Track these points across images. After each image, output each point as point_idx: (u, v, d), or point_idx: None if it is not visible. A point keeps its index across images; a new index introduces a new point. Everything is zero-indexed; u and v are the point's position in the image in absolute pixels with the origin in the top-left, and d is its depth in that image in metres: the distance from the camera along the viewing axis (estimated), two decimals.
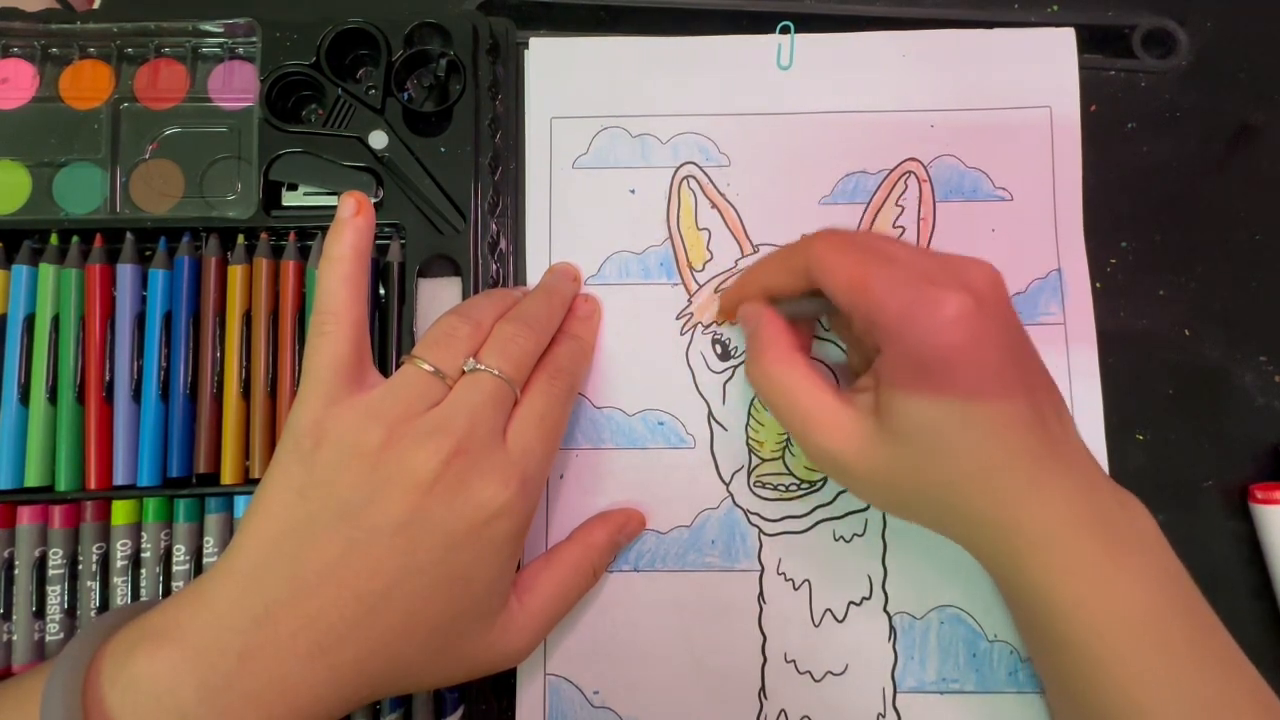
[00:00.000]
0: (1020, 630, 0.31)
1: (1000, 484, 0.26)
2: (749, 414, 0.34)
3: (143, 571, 0.32)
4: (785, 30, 0.36)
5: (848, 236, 0.29)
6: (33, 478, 0.32)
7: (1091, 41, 0.37)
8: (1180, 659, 0.25)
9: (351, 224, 0.29)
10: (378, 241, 0.34)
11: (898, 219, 0.35)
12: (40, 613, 0.31)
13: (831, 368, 0.34)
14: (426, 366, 0.28)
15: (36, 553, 0.32)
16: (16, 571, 0.31)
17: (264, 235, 0.34)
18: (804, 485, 0.34)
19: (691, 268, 0.36)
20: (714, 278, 0.35)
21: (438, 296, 0.34)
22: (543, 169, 0.36)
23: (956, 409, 0.26)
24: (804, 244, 0.29)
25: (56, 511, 0.32)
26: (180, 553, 0.32)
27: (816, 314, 0.33)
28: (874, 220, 0.35)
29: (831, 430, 0.28)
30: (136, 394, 0.33)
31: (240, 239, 0.34)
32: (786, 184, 0.36)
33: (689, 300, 0.35)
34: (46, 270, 0.33)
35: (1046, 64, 0.36)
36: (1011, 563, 0.27)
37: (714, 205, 0.36)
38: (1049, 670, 0.29)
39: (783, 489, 0.34)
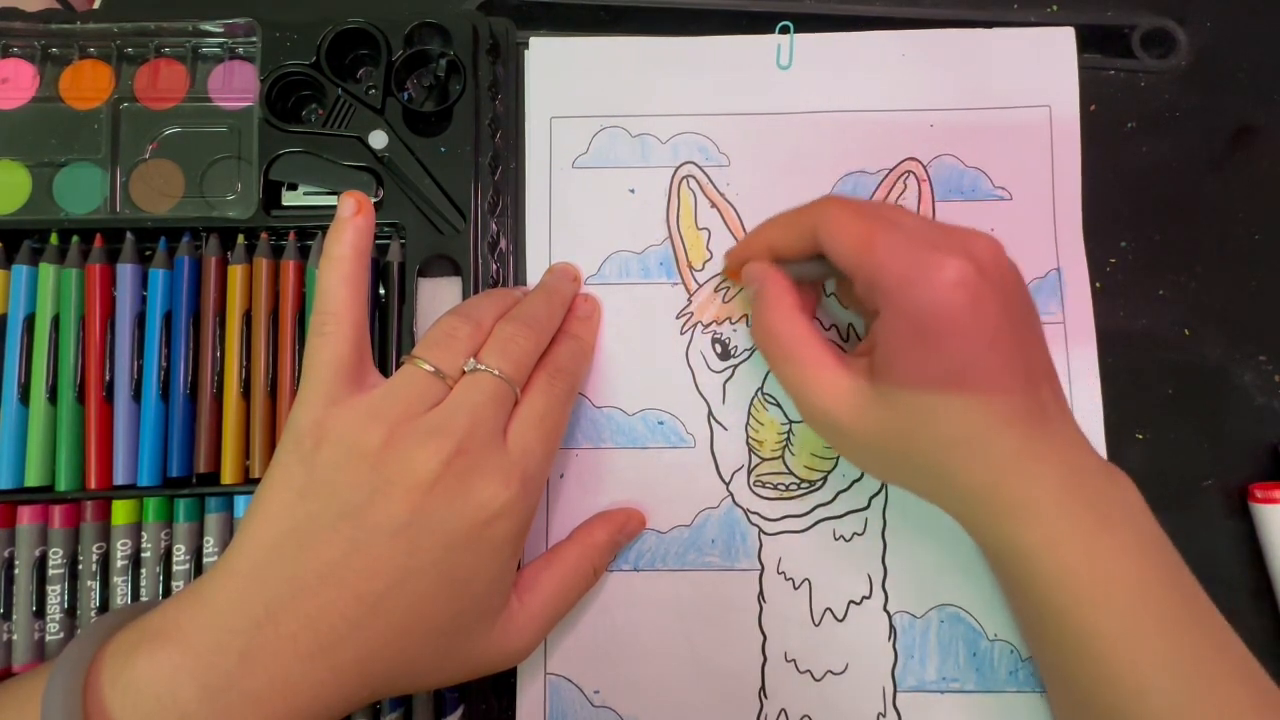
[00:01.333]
0: (1008, 601, 0.31)
1: (989, 451, 0.26)
2: (749, 413, 0.34)
3: (143, 571, 0.32)
4: (785, 30, 0.36)
5: (856, 202, 0.29)
6: (33, 478, 0.32)
7: (1091, 41, 0.37)
8: (1168, 626, 0.25)
9: (351, 223, 0.29)
10: (378, 241, 0.34)
11: None
12: (40, 613, 0.31)
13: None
14: (427, 367, 0.28)
15: (36, 553, 0.32)
16: (16, 571, 0.31)
17: (264, 235, 0.34)
18: (804, 485, 0.34)
19: (691, 267, 0.36)
20: (714, 277, 0.35)
21: (438, 296, 0.34)
22: (542, 169, 0.36)
23: (950, 374, 0.26)
24: (813, 206, 0.30)
25: (56, 511, 0.32)
26: (180, 553, 0.32)
27: (820, 278, 0.33)
28: None
29: (827, 391, 0.28)
30: (136, 394, 0.33)
31: (240, 239, 0.34)
32: (786, 184, 0.36)
33: (689, 300, 0.35)
34: (46, 270, 0.33)
35: (1046, 64, 0.36)
36: (999, 531, 0.27)
37: (714, 205, 0.36)
38: (1038, 643, 0.29)
39: (783, 488, 0.34)
